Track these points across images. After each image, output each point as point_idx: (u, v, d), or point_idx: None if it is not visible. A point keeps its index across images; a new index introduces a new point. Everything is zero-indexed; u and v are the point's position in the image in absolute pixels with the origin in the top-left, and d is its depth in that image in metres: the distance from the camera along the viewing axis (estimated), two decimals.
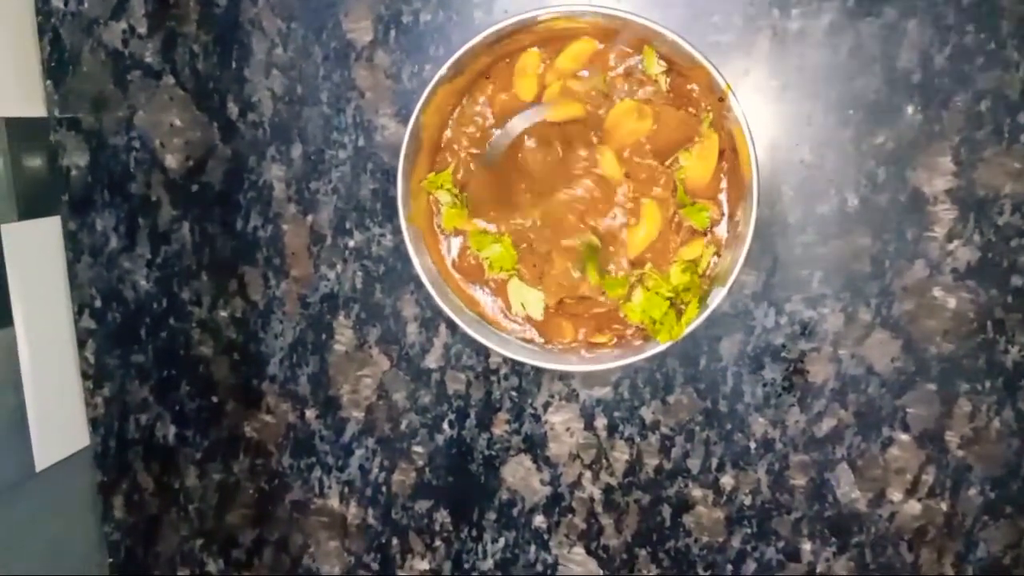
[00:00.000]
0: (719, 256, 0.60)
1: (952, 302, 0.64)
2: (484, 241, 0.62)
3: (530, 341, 0.64)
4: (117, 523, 0.80)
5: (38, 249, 0.74)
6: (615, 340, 0.62)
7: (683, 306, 0.59)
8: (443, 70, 0.57)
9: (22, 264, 0.72)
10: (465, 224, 0.63)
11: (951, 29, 0.61)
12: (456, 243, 0.65)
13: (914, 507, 0.67)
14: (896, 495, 0.67)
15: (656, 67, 0.59)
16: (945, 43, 0.61)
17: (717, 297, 0.57)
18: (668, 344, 0.59)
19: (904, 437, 0.66)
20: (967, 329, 0.64)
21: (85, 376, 0.78)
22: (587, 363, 0.62)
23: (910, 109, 0.63)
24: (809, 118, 0.64)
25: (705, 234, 0.61)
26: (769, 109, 0.64)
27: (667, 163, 0.60)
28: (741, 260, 0.56)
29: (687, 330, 0.59)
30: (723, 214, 0.61)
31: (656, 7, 0.65)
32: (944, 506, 0.67)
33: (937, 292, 0.64)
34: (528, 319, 0.64)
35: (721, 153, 0.59)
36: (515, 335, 0.64)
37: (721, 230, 0.61)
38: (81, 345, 0.78)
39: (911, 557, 0.68)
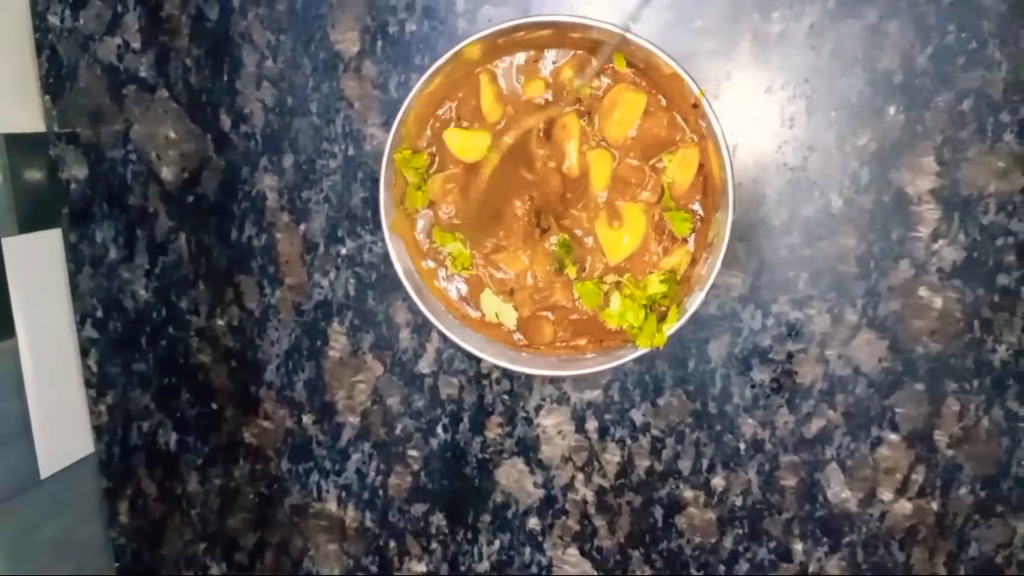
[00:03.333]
0: (696, 262, 0.61)
1: (938, 302, 0.64)
2: (446, 238, 0.63)
3: (518, 346, 0.65)
4: (122, 528, 0.82)
5: (39, 261, 0.76)
6: (596, 342, 0.63)
7: (663, 310, 0.60)
8: (419, 84, 0.58)
9: (24, 276, 0.73)
10: (426, 206, 0.64)
11: (932, 29, 0.61)
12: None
13: (905, 507, 0.67)
14: (886, 495, 0.67)
15: (626, 68, 0.60)
16: (927, 43, 0.61)
17: (695, 302, 0.58)
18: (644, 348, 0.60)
19: (893, 437, 0.67)
20: (954, 329, 0.64)
21: (88, 384, 0.80)
22: (575, 367, 0.62)
23: (892, 110, 0.63)
24: (791, 120, 0.64)
25: (686, 241, 0.61)
26: (751, 112, 0.64)
27: (651, 163, 0.60)
28: (718, 265, 0.56)
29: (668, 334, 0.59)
30: (701, 219, 0.61)
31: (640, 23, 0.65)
32: (935, 505, 0.67)
33: (923, 292, 0.64)
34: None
35: (700, 166, 0.60)
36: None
37: (699, 234, 0.61)
38: (84, 354, 0.79)
39: (903, 556, 0.68)
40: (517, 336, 0.65)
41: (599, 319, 0.63)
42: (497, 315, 0.64)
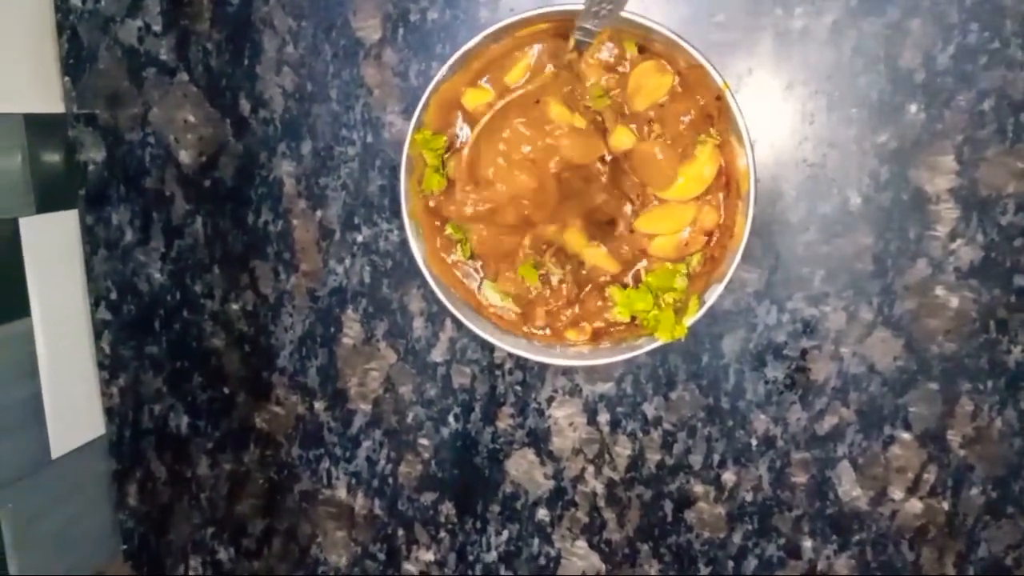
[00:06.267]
0: (716, 256, 0.61)
1: (954, 301, 0.64)
2: (455, 228, 0.63)
3: (532, 336, 0.65)
4: (131, 511, 0.82)
5: (55, 242, 0.76)
6: (591, 335, 0.63)
7: (679, 305, 0.60)
8: (442, 72, 0.58)
9: (40, 256, 0.73)
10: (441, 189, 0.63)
11: (954, 28, 0.61)
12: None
13: (915, 506, 0.67)
14: (897, 494, 0.67)
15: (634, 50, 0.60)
16: (948, 42, 0.61)
17: (714, 295, 0.58)
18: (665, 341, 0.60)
19: (906, 436, 0.66)
20: (969, 329, 0.64)
21: (101, 366, 0.80)
22: (588, 358, 0.62)
23: (913, 108, 0.63)
24: (812, 117, 0.64)
25: (710, 235, 0.61)
26: (772, 108, 0.64)
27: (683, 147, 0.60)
28: (737, 258, 0.57)
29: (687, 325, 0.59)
30: (722, 213, 0.61)
31: (659, 6, 0.65)
32: (946, 505, 0.67)
33: (939, 291, 0.64)
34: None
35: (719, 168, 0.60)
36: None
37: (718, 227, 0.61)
38: (97, 336, 0.79)
39: (912, 556, 0.68)
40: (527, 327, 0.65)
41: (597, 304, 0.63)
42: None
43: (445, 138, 0.62)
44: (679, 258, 0.61)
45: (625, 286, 0.62)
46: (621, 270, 0.62)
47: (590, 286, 0.63)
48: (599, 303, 0.63)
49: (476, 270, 0.65)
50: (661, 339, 0.59)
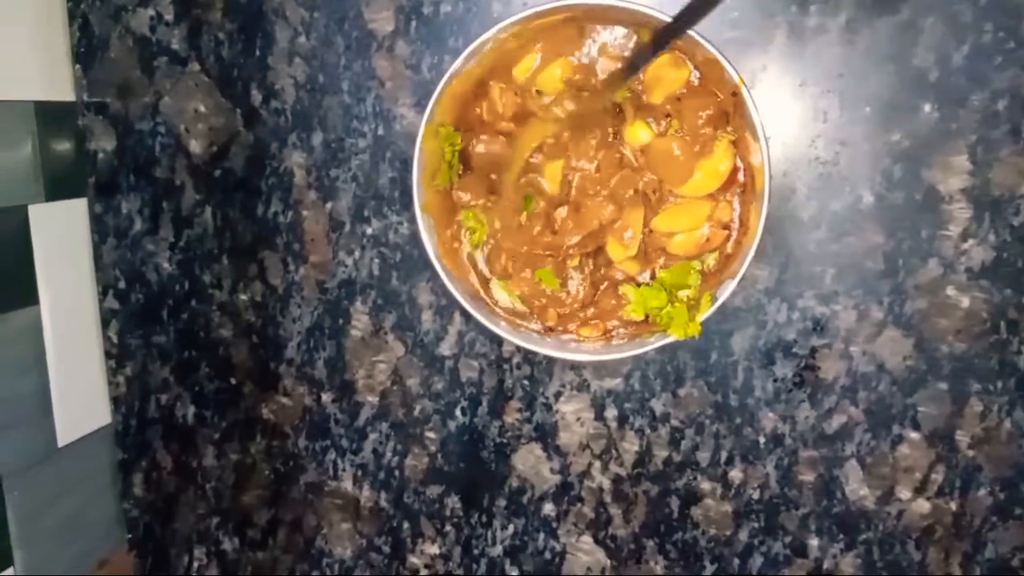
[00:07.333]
0: (729, 253, 0.61)
1: (965, 301, 0.64)
2: (468, 215, 0.64)
3: (542, 332, 0.65)
4: (136, 500, 0.82)
5: (64, 230, 0.76)
6: (603, 331, 0.64)
7: (693, 302, 0.60)
8: (455, 65, 0.58)
9: (48, 244, 0.73)
10: (449, 185, 0.64)
11: (969, 28, 0.61)
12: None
13: (923, 506, 0.67)
14: (905, 493, 0.67)
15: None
16: (962, 42, 0.61)
17: (727, 291, 0.58)
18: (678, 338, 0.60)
19: (914, 435, 0.66)
20: (980, 329, 0.64)
21: (108, 355, 0.80)
22: (598, 353, 0.62)
23: (926, 107, 0.62)
24: (825, 115, 0.64)
25: (728, 229, 0.61)
26: (785, 105, 0.64)
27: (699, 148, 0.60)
28: (751, 255, 0.57)
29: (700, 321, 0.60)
30: (736, 209, 0.61)
31: (675, 1, 0.65)
32: (953, 506, 0.67)
33: (950, 291, 0.64)
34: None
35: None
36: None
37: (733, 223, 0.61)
38: (105, 325, 0.79)
39: (918, 556, 0.68)
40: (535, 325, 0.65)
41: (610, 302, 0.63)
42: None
43: (459, 136, 0.62)
44: (699, 255, 0.62)
45: (639, 284, 0.62)
46: (641, 270, 0.62)
47: (605, 284, 0.63)
48: (613, 302, 0.63)
49: (486, 266, 0.65)
50: (675, 336, 0.59)
